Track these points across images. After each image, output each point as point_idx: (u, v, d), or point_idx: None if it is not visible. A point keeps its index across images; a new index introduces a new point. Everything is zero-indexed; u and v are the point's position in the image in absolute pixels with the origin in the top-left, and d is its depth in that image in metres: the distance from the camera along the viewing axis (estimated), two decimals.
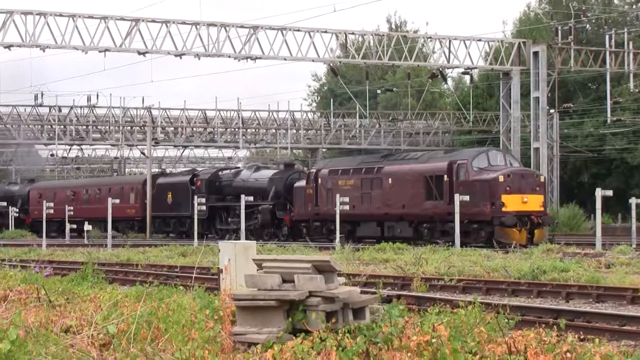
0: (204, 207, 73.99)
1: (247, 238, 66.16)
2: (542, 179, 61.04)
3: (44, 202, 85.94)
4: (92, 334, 14.56)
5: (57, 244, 73.77)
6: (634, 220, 57.14)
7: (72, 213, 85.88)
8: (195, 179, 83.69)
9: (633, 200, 55.87)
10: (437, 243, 53.11)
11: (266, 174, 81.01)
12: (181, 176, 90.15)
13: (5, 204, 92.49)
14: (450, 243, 55.03)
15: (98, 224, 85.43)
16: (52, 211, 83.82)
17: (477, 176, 58.42)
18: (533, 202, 56.14)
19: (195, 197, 75.50)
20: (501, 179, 56.83)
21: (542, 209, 57.20)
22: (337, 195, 63.97)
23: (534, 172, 62.26)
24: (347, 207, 63.26)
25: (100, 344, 14.19)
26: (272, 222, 72.03)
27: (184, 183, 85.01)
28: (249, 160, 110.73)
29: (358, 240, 59.05)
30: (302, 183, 74.16)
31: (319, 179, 71.22)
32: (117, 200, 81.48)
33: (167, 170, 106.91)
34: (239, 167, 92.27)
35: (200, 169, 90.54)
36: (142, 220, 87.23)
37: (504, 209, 55.97)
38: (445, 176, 59.45)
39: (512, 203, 55.76)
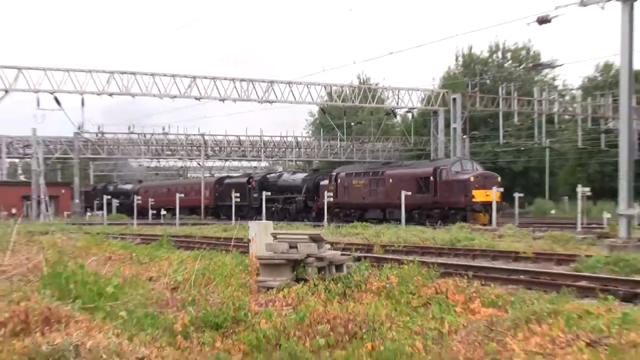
0: (257, 198, 77.92)
1: (285, 218, 73.86)
2: (498, 179, 62.10)
3: (148, 197, 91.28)
4: (166, 282, 16.01)
5: (143, 223, 74.91)
6: (516, 207, 62.11)
7: (165, 203, 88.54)
8: (250, 180, 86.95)
9: (516, 195, 60.66)
10: (424, 224, 55.23)
11: (300, 176, 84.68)
12: (240, 178, 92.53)
13: (122, 197, 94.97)
14: (437, 223, 56.67)
15: (184, 210, 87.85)
16: (153, 202, 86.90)
17: (454, 177, 60.21)
18: (491, 195, 57.29)
19: (252, 192, 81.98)
20: (472, 179, 59.51)
21: (498, 199, 57.88)
22: (347, 191, 70.13)
23: (493, 174, 63.48)
24: (359, 199, 68.04)
25: (172, 287, 15.38)
26: (304, 208, 74.75)
27: (242, 183, 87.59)
28: (266, 168, 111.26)
29: (365, 221, 59.51)
30: (326, 182, 76.13)
31: (338, 179, 73.30)
32: (194, 194, 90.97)
33: (224, 174, 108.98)
34: (281, 172, 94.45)
35: (253, 173, 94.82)
36: (214, 207, 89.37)
37: (474, 200, 58.41)
38: (431, 177, 61.69)
39: (479, 196, 58.37)
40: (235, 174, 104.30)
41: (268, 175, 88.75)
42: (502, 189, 58.56)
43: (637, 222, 36.37)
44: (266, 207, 76.01)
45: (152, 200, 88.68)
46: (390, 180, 66.28)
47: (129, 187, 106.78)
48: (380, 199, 64.63)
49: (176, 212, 74.02)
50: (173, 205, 79.56)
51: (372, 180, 68.30)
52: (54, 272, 13.05)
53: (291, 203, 79.91)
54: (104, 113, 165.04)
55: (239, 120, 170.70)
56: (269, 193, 77.88)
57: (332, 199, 70.95)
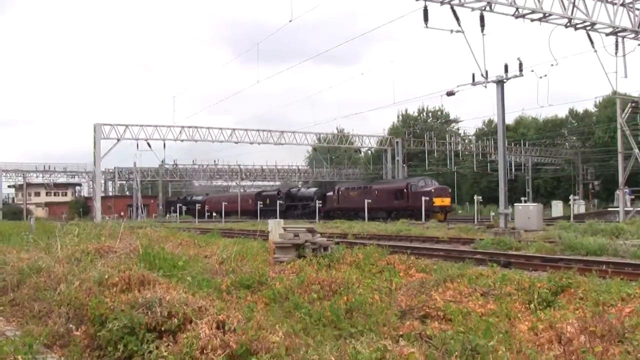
0: (284, 205, 78.24)
1: (301, 218, 70.59)
2: (449, 191, 63.39)
3: (213, 204, 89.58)
4: (216, 258, 15.77)
5: (200, 221, 74.06)
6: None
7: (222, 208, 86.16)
8: (279, 193, 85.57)
9: (362, 201, 61.62)
10: (396, 220, 53.64)
11: (312, 190, 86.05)
12: (272, 191, 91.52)
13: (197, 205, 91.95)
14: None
15: (236, 213, 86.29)
16: (213, 208, 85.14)
17: (420, 189, 59.91)
18: (446, 201, 59.84)
19: (280, 201, 78.73)
20: (433, 190, 59.59)
21: (449, 204, 61.10)
22: (346, 199, 70.98)
23: (446, 187, 64.12)
24: (354, 204, 67.31)
25: (219, 262, 15.13)
26: (317, 212, 70.86)
27: (274, 195, 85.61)
28: (280, 186, 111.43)
29: (356, 219, 60.94)
30: (331, 193, 75.93)
31: (339, 192, 73.29)
32: (242, 203, 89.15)
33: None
34: (299, 187, 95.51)
35: (281, 188, 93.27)
36: (254, 211, 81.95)
37: (434, 205, 57.77)
38: (405, 189, 62.24)
39: (438, 202, 58.31)
40: (268, 189, 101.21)
41: (291, 190, 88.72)
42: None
43: (511, 217, 36.43)
44: (290, 211, 78.20)
45: (216, 207, 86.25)
46: (376, 192, 66.18)
47: (199, 198, 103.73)
48: (369, 204, 62.78)
49: (222, 214, 73.73)
50: (229, 210, 79.93)
51: (363, 192, 67.52)
52: (145, 252, 13.12)
53: (306, 208, 78.28)
54: (178, 151, 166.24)
55: (262, 155, 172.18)
56: (292, 201, 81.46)
57: (335, 205, 71.76)
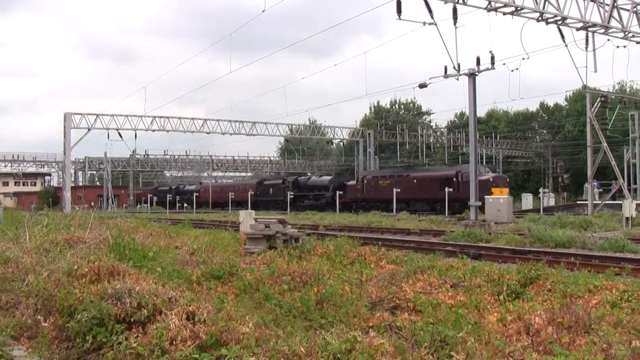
0: (291, 195, 68.44)
1: (312, 210, 63.61)
2: (508, 180, 56.10)
3: (207, 194, 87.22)
4: (186, 249, 15.71)
5: (172, 211, 72.82)
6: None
7: (219, 199, 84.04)
8: (285, 181, 77.68)
9: (393, 192, 54.60)
10: (443, 213, 47.59)
11: (327, 178, 75.90)
12: (276, 180, 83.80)
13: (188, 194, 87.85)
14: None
15: (233, 204, 77.18)
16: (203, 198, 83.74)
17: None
18: (504, 192, 50.07)
19: (287, 191, 70.97)
20: (491, 179, 51.61)
21: (507, 195, 48.03)
22: (373, 189, 61.61)
23: (504, 176, 57.45)
24: (384, 195, 57.58)
25: (190, 253, 15.10)
26: (332, 202, 64.01)
27: (278, 184, 78.22)
28: (251, 177, 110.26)
29: (389, 211, 52.29)
30: (353, 182, 67.90)
31: (365, 181, 64.26)
32: (240, 192, 79.50)
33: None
34: (308, 175, 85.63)
35: (287, 177, 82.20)
36: (255, 202, 72.81)
37: (493, 196, 47.26)
38: (454, 178, 53.01)
39: (496, 192, 49.00)
40: (271, 178, 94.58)
41: (299, 178, 79.42)
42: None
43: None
44: (299, 202, 70.81)
45: (208, 197, 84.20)
46: (415, 181, 57.55)
47: (192, 187, 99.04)
48: (405, 195, 54.98)
49: (193, 205, 73.31)
50: (224, 200, 76.74)
51: (396, 181, 58.61)
52: (115, 243, 13.10)
53: (319, 199, 71.22)
54: (149, 139, 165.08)
55: (234, 145, 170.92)
56: (301, 190, 73.60)
57: (359, 195, 63.83)
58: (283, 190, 73.75)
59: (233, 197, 75.27)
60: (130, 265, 10.68)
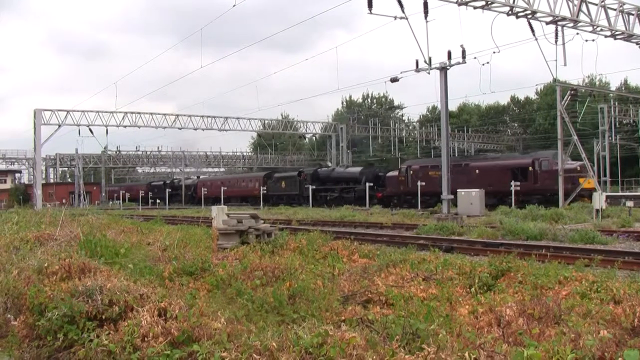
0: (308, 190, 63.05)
1: (339, 205, 56.07)
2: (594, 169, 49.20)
3: (207, 189, 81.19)
4: (158, 245, 15.54)
5: (144, 208, 71.99)
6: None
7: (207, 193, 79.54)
8: (301, 174, 68.76)
9: (366, 185, 54.53)
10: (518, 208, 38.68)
11: (356, 169, 66.24)
12: (290, 172, 74.75)
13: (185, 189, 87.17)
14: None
15: (236, 199, 75.93)
16: (206, 193, 79.35)
17: (556, 167, 43.18)
18: (591, 183, 42.75)
19: (304, 184, 65.68)
20: (578, 168, 44.08)
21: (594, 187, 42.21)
22: (421, 181, 51.59)
23: (589, 164, 46.53)
24: (436, 188, 42.77)
25: (162, 249, 14.90)
26: (364, 196, 56.08)
27: (293, 176, 69.76)
28: (224, 172, 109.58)
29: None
30: (394, 173, 59.29)
31: (410, 171, 55.91)
32: (245, 186, 77.43)
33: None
34: (330, 165, 75.75)
35: (303, 169, 73.10)
36: (263, 197, 70.42)
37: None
38: (530, 167, 45.72)
39: (585, 184, 42.90)
40: (282, 168, 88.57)
41: (319, 170, 69.68)
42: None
43: (454, 204, 36.85)
44: (321, 195, 64.26)
45: (211, 192, 79.34)
46: (477, 171, 49.91)
47: (189, 182, 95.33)
48: (463, 187, 44.36)
49: (166, 200, 72.77)
50: (225, 195, 72.09)
51: (453, 171, 44.74)
52: (87, 240, 13.09)
53: (349, 192, 62.18)
54: (121, 136, 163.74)
55: (207, 144, 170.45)
56: (322, 183, 65.42)
57: (402, 188, 55.76)
58: (299, 184, 67.83)
59: (239, 192, 72.03)
60: (101, 262, 10.69)
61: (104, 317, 7.08)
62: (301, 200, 65.50)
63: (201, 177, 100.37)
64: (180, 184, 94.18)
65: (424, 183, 51.18)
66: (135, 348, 6.14)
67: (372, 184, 57.71)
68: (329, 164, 78.51)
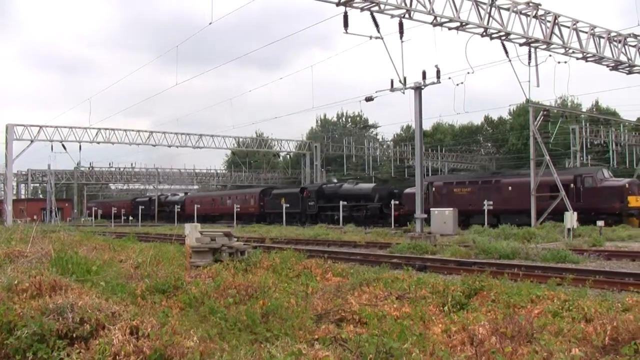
0: (314, 207, 61.15)
1: (353, 223, 52.43)
2: None
3: (194, 206, 76.16)
4: (131, 263, 15.49)
5: (117, 224, 71.47)
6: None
7: (210, 211, 77.46)
8: (304, 190, 64.84)
9: (340, 204, 52.99)
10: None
11: (369, 186, 62.07)
12: (292, 189, 70.57)
13: (171, 206, 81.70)
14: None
15: (227, 217, 70.60)
16: (189, 210, 75.41)
17: (602, 184, 42.55)
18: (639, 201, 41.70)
19: (306, 201, 62.80)
20: (627, 185, 42.42)
21: None
22: (446, 198, 49.68)
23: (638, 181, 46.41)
24: (464, 206, 46.44)
25: (135, 266, 14.89)
26: (380, 215, 54.44)
27: (295, 193, 65.56)
28: (197, 190, 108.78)
29: (467, 227, 40.96)
30: (411, 190, 50.32)
31: (433, 188, 52.48)
32: (239, 203, 72.70)
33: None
34: (336, 182, 69.06)
35: (306, 185, 68.81)
36: (260, 214, 68.95)
37: (628, 206, 41.72)
38: (572, 184, 42.63)
39: (632, 201, 41.83)
40: (282, 185, 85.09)
41: (324, 186, 65.18)
42: None
43: (427, 223, 36.95)
44: (327, 214, 59.73)
45: (199, 209, 75.53)
46: (510, 188, 45.90)
47: (176, 198, 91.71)
48: (496, 205, 43.42)
49: (155, 217, 72.26)
50: (216, 213, 70.56)
51: (481, 188, 47.62)
52: (58, 257, 12.96)
53: (359, 210, 57.71)
54: (95, 152, 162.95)
55: (180, 161, 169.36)
56: (329, 201, 60.59)
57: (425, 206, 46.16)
58: (302, 201, 63.87)
59: (232, 209, 68.01)
60: (73, 279, 10.54)
61: (74, 335, 6.98)
62: (304, 219, 62.09)
63: (189, 193, 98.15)
64: (168, 200, 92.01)
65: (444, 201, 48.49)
66: None
67: (385, 202, 54.20)
68: (334, 180, 74.11)
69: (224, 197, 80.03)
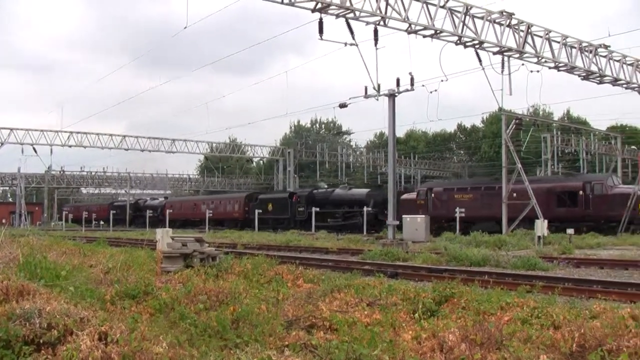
0: (304, 212, 58.69)
1: (341, 232, 50.22)
2: None
3: (175, 211, 77.37)
4: (101, 268, 15.36)
5: (87, 229, 69.90)
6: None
7: (192, 216, 76.06)
8: (293, 196, 62.61)
9: (314, 211, 52.06)
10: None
11: (362, 191, 59.85)
12: (280, 194, 67.51)
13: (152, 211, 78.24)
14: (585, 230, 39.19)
15: (211, 222, 66.44)
16: (169, 215, 72.22)
17: (612, 191, 41.54)
18: None
19: (296, 207, 60.66)
20: (639, 192, 40.34)
21: None
22: (446, 204, 47.57)
23: None
24: (465, 213, 43.25)
25: (105, 272, 14.80)
26: (374, 221, 51.70)
27: (283, 198, 63.04)
28: (170, 195, 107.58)
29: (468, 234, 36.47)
30: (411, 196, 53.55)
31: (432, 194, 50.83)
32: (222, 209, 71.80)
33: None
34: (325, 187, 67.84)
35: (295, 190, 67.39)
36: (244, 220, 66.83)
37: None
38: (580, 191, 42.00)
39: None
40: (267, 192, 79.64)
41: (314, 191, 62.89)
42: None
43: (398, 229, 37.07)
44: (317, 220, 54.67)
45: (180, 214, 76.33)
46: (514, 195, 41.76)
47: (155, 202, 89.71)
48: (496, 212, 41.48)
49: (111, 222, 71.61)
50: (198, 218, 68.65)
51: (484, 194, 45.50)
52: (26, 261, 12.75)
53: (354, 217, 55.35)
54: (66, 156, 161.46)
55: (161, 161, 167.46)
56: (321, 207, 56.51)
57: (420, 212, 45.98)
58: (291, 207, 61.56)
59: (211, 214, 65.54)
60: (41, 284, 10.35)
61: (42, 341, 6.89)
62: (292, 225, 59.15)
63: (169, 198, 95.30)
64: (147, 205, 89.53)
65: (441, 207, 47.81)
66: None
67: (380, 209, 50.68)
68: (324, 186, 71.96)
69: (206, 201, 77.45)
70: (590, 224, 39.61)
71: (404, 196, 53.87)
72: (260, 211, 62.09)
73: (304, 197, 60.85)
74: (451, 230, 42.57)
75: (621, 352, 6.40)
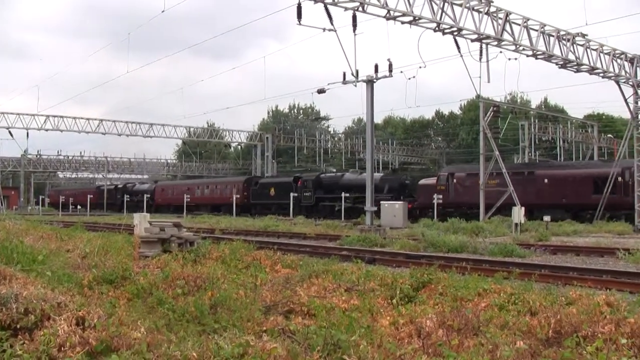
0: (310, 197, 56.33)
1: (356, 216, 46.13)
2: None
3: (165, 195, 77.63)
4: (78, 252, 15.29)
5: (64, 213, 69.90)
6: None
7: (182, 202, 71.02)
8: (298, 179, 58.96)
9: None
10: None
11: (376, 175, 48.91)
12: (283, 178, 65.22)
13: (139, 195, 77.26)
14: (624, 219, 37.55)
15: (206, 207, 67.16)
16: (161, 200, 76.46)
17: None
18: None
19: (301, 192, 57.00)
20: None
21: None
22: (469, 190, 44.70)
23: None
24: (491, 199, 40.64)
25: (82, 256, 14.72)
26: None
27: (287, 182, 59.72)
28: (149, 179, 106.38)
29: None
30: (430, 181, 51.26)
31: (454, 179, 48.18)
32: (218, 193, 69.65)
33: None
34: (334, 171, 66.13)
35: (300, 174, 62.91)
36: (244, 205, 63.72)
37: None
38: (620, 177, 39.10)
39: None
40: (269, 176, 72.57)
41: (322, 175, 60.50)
42: None
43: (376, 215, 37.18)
44: (324, 205, 54.99)
45: (172, 199, 74.25)
46: (546, 181, 42.54)
47: (145, 186, 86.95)
48: (526, 199, 39.29)
49: (104, 206, 70.91)
50: (192, 204, 66.88)
51: (512, 181, 40.63)
52: (2, 246, 12.70)
53: (363, 201, 47.29)
54: (43, 139, 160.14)
55: (131, 146, 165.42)
56: (329, 192, 55.34)
57: (442, 198, 44.71)
58: (297, 191, 57.64)
59: (210, 199, 65.28)
60: (18, 269, 10.31)
61: (18, 326, 6.83)
62: (297, 210, 55.28)
63: (159, 182, 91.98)
64: (135, 189, 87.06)
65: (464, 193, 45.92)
66: (51, 358, 5.96)
67: (396, 194, 49.07)
68: (333, 170, 69.75)
69: (201, 185, 75.14)
70: (629, 211, 37.68)
71: (423, 181, 52.47)
72: (262, 196, 60.90)
73: (310, 182, 58.06)
74: (475, 218, 40.01)
75: (596, 338, 6.46)
